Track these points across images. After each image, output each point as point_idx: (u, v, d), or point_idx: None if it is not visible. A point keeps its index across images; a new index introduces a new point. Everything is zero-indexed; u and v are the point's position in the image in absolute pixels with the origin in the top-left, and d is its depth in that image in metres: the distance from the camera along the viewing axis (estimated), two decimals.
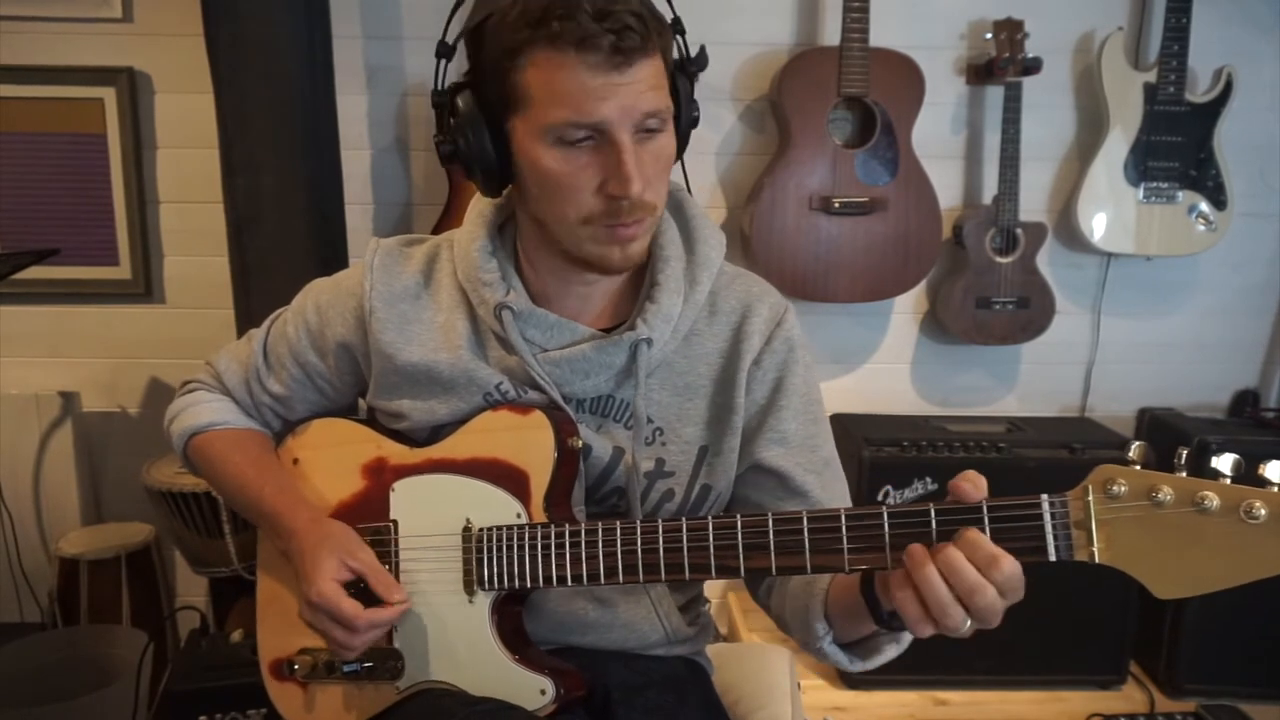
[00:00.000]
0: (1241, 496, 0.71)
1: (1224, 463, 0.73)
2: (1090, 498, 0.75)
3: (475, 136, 0.93)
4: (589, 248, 0.94)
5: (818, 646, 0.95)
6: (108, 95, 2.17)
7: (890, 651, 0.94)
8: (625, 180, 0.87)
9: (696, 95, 0.99)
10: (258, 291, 1.91)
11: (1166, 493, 0.73)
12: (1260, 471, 0.71)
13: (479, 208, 1.05)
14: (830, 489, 1.04)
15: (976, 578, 0.75)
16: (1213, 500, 0.71)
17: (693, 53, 0.98)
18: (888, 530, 0.81)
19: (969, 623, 0.77)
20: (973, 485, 0.79)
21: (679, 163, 1.01)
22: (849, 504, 1.06)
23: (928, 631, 0.78)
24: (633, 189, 0.88)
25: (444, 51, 0.98)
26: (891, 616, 0.85)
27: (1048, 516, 0.76)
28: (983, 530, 0.77)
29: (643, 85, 0.87)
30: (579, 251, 0.95)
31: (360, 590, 0.96)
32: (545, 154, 0.89)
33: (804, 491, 1.02)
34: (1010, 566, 0.75)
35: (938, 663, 2.14)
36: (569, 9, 0.83)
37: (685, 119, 0.97)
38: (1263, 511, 0.70)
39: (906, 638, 0.92)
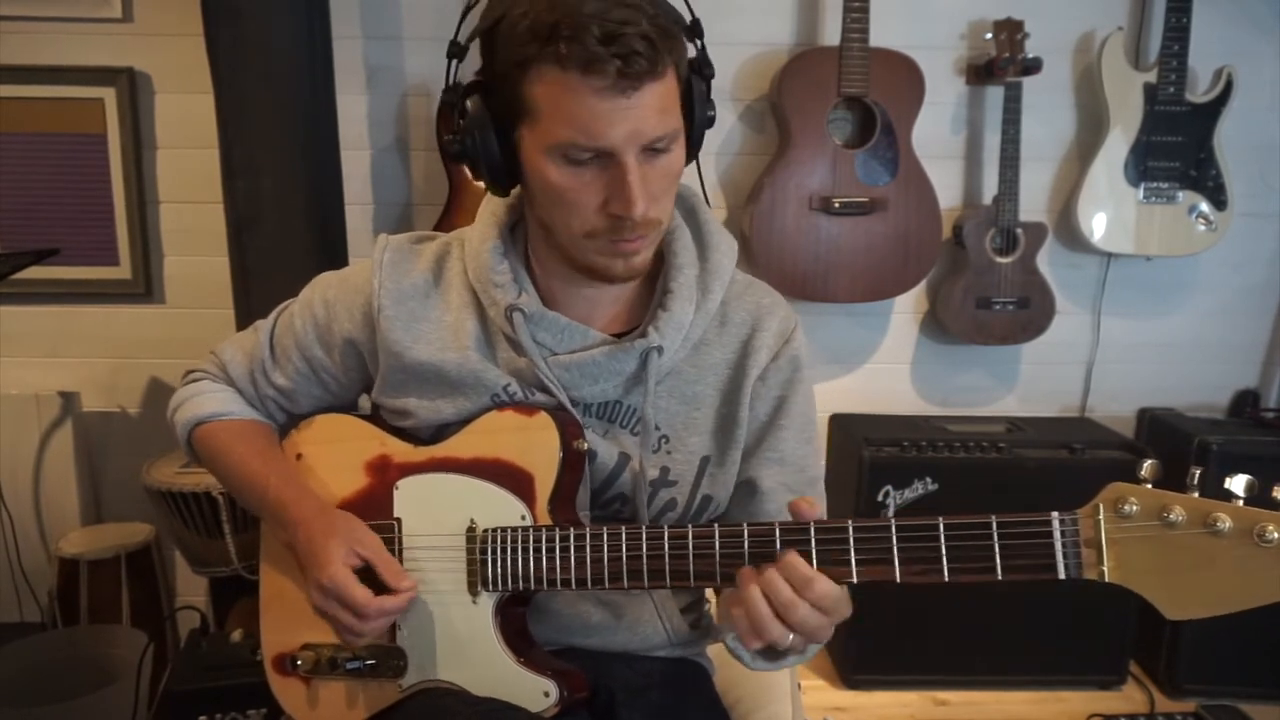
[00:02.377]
0: (1255, 519, 0.70)
1: (1237, 484, 0.72)
2: (1101, 516, 0.75)
3: (484, 139, 0.92)
4: (592, 257, 0.94)
5: (728, 645, 0.96)
6: (108, 95, 2.17)
7: (791, 656, 0.94)
8: (629, 203, 0.87)
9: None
10: (258, 292, 1.91)
11: (1178, 513, 0.72)
12: (1274, 493, 0.70)
13: (491, 207, 1.05)
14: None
15: (790, 595, 0.82)
16: (1225, 522, 0.71)
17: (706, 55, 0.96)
18: (895, 542, 0.81)
19: (790, 636, 0.83)
20: (808, 504, 0.85)
21: (695, 166, 1.00)
22: None
23: (754, 643, 0.84)
24: (635, 210, 0.87)
25: (455, 52, 0.96)
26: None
27: (1058, 534, 0.76)
28: (992, 547, 0.78)
29: (650, 110, 0.85)
30: (583, 260, 0.94)
31: (367, 580, 0.95)
32: (550, 168, 0.88)
33: (776, 509, 1.01)
34: (823, 587, 0.81)
35: (938, 663, 2.14)
36: (576, 29, 0.80)
37: (700, 122, 0.95)
38: (1275, 535, 0.69)
39: (813, 648, 0.94)
